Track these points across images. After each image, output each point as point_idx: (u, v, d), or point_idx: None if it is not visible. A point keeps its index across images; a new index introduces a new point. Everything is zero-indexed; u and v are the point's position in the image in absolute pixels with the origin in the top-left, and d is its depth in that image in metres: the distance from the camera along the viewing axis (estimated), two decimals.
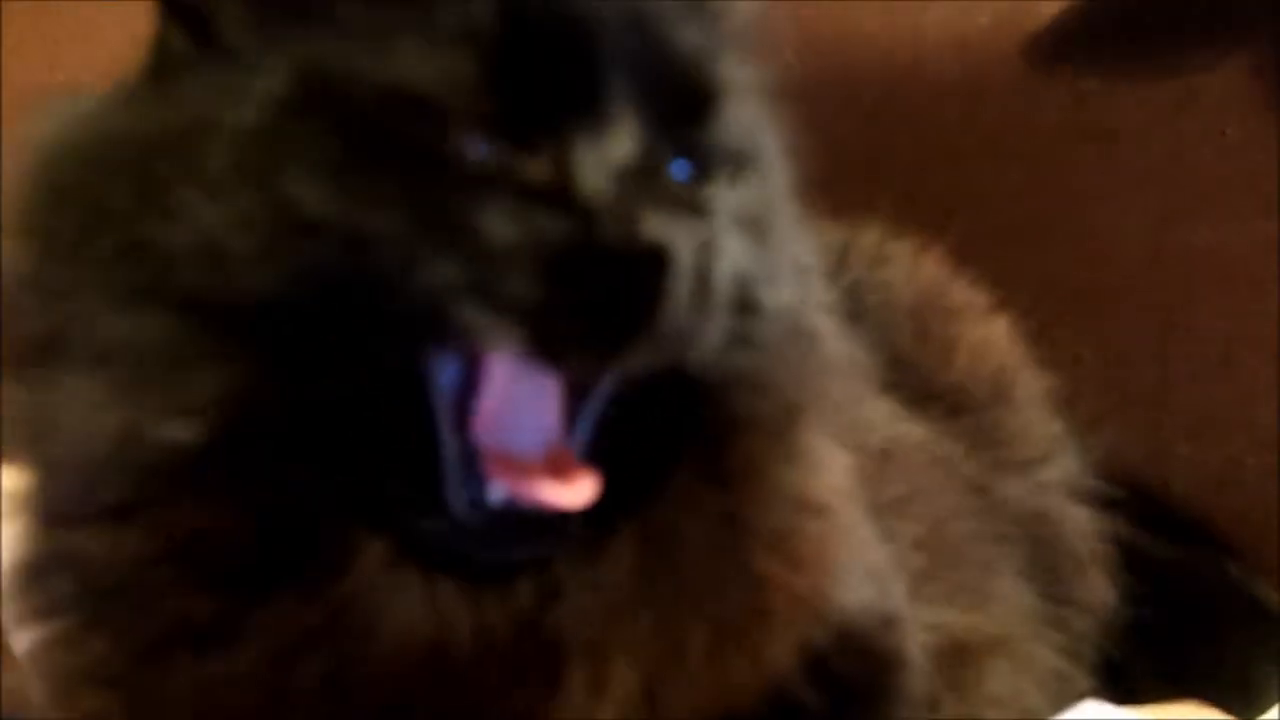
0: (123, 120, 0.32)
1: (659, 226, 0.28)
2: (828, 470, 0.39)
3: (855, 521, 0.41)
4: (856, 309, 0.61)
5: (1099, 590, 0.60)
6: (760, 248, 0.34)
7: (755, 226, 0.34)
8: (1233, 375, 0.74)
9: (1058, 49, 0.75)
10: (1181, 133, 0.71)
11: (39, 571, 0.34)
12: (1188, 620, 0.62)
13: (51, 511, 0.34)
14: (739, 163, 0.34)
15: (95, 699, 0.33)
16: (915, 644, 0.43)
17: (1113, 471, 0.71)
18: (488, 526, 0.31)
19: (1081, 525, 0.61)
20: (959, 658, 0.49)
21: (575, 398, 0.33)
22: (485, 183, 0.29)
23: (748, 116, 0.36)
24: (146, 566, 0.31)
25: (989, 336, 0.63)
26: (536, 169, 0.30)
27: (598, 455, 0.33)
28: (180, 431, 0.30)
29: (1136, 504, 0.69)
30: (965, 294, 0.66)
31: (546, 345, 0.29)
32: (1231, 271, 0.72)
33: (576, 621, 0.32)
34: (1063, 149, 0.76)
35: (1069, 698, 0.53)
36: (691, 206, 0.31)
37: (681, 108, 0.33)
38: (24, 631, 0.37)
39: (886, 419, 0.53)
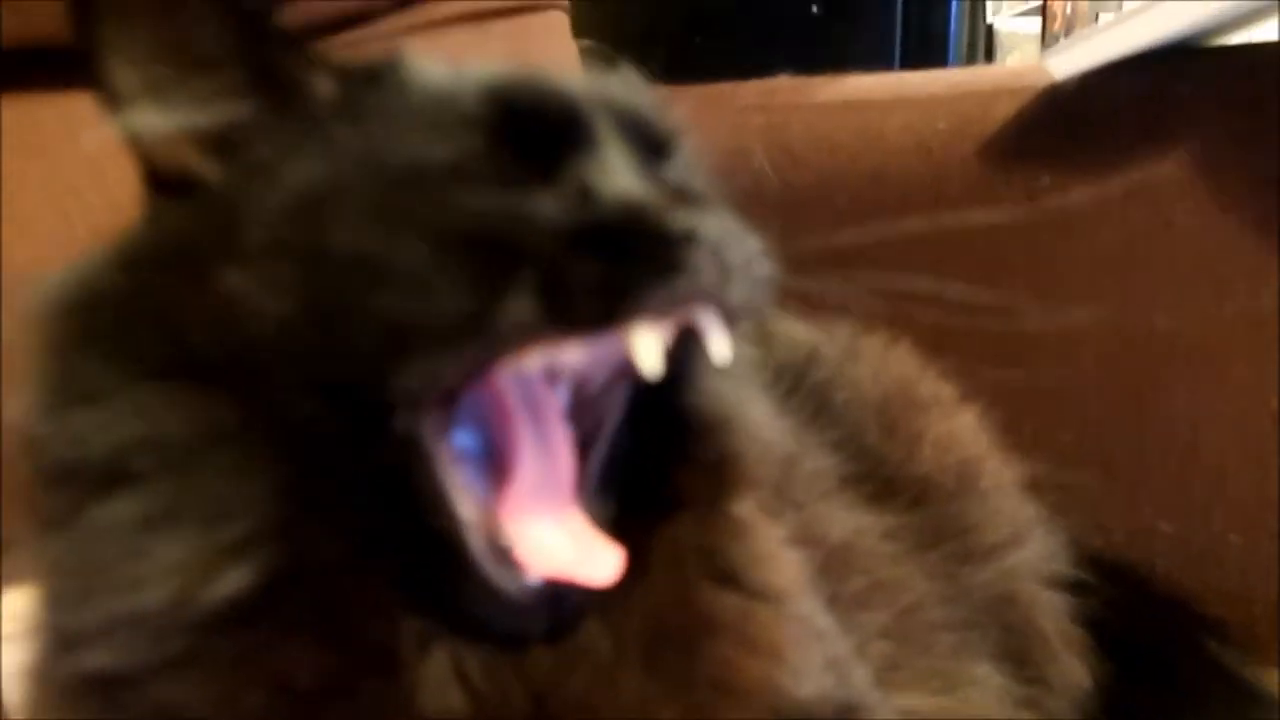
0: (143, 238, 0.35)
1: (684, 214, 0.33)
2: (781, 561, 0.42)
3: (810, 611, 0.43)
4: (825, 406, 0.63)
5: (1072, 672, 0.61)
6: None
7: None
8: (1203, 455, 0.75)
9: (1012, 148, 0.80)
10: (1132, 223, 0.75)
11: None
12: (1165, 700, 0.63)
13: (98, 668, 0.33)
14: (697, 199, 0.37)
15: None
16: None
17: (1096, 551, 0.73)
18: (521, 606, 0.33)
19: (1052, 608, 0.62)
20: None
21: (583, 452, 0.35)
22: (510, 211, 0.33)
23: (694, 165, 0.41)
24: (214, 705, 0.32)
25: (954, 429, 0.65)
26: (557, 195, 0.33)
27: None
28: (237, 583, 0.31)
29: (1116, 583, 0.71)
30: (932, 387, 0.68)
31: (612, 308, 0.31)
32: (1192, 355, 0.74)
33: (581, 693, 0.34)
34: (1022, 242, 0.79)
35: None
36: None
37: (648, 146, 0.37)
38: None
39: (848, 512, 0.55)
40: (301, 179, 0.33)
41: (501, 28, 0.98)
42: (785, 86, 0.97)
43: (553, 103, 0.36)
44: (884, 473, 0.60)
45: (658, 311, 0.32)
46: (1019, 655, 0.59)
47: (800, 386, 0.64)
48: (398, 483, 0.32)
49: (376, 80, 0.36)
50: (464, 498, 0.33)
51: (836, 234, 0.86)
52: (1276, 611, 0.72)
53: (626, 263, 0.31)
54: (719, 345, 0.34)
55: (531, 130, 0.35)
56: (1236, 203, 0.70)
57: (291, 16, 0.83)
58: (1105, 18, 1.28)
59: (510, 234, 0.32)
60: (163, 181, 0.35)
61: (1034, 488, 0.68)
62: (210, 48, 0.35)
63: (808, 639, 0.41)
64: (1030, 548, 0.63)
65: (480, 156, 0.34)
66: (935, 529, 0.58)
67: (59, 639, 0.35)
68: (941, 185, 0.82)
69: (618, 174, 0.35)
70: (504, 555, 0.33)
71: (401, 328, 0.31)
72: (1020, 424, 0.74)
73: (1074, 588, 0.64)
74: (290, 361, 0.32)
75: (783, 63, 0.98)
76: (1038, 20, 1.45)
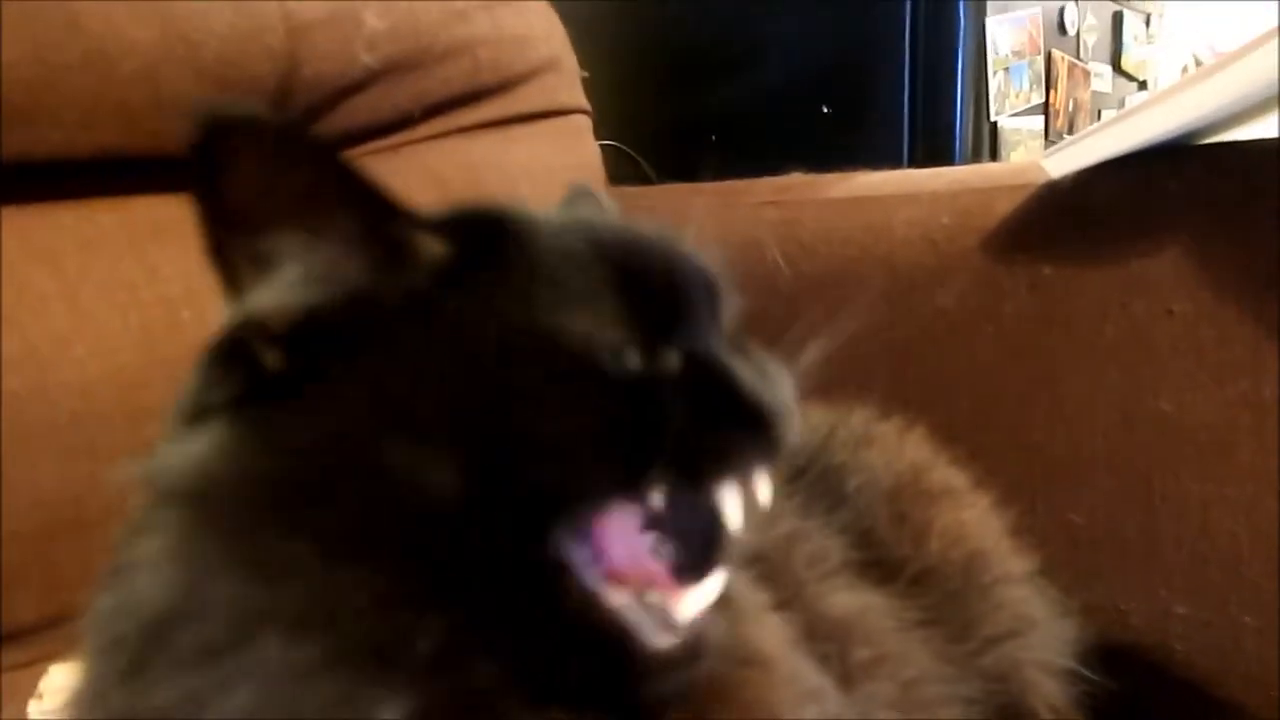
0: (288, 423, 0.36)
1: (767, 388, 0.38)
2: (766, 626, 0.44)
3: (802, 672, 0.45)
4: (836, 490, 0.66)
5: None
6: None
7: None
8: (1215, 537, 0.76)
9: (1014, 241, 0.83)
10: (1133, 313, 0.77)
11: None
12: None
13: None
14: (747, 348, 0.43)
15: None
16: None
17: (1112, 636, 0.73)
18: (679, 658, 0.36)
19: (1051, 694, 0.62)
20: None
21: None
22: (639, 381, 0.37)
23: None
24: None
25: (964, 519, 0.66)
26: (671, 360, 0.38)
27: None
28: (396, 710, 0.33)
29: (1131, 669, 0.71)
30: (944, 475, 0.70)
31: (721, 473, 0.37)
32: (1198, 437, 0.76)
33: None
34: (1026, 331, 0.82)
35: None
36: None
37: (712, 300, 0.42)
38: None
39: (850, 591, 0.56)
40: (442, 354, 0.35)
41: (528, 132, 1.04)
42: (797, 183, 1.02)
43: (663, 267, 0.40)
44: (890, 559, 0.62)
45: (746, 472, 0.37)
46: None
47: (812, 467, 0.66)
48: (549, 599, 0.35)
49: (487, 239, 0.37)
50: (607, 587, 0.36)
51: (847, 319, 0.91)
52: None
53: (735, 434, 0.37)
54: (765, 491, 0.38)
55: (650, 297, 0.38)
56: (1232, 295, 0.73)
57: (330, 125, 0.89)
58: (1107, 113, 1.33)
59: (652, 409, 0.36)
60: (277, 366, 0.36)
61: (1047, 571, 0.69)
62: (322, 212, 0.35)
63: (801, 699, 0.43)
64: (1032, 637, 0.63)
65: (608, 325, 0.37)
66: (939, 617, 0.59)
67: None
68: (947, 276, 0.86)
69: (713, 341, 0.39)
70: (659, 612, 0.36)
71: (563, 495, 0.35)
72: (1033, 507, 0.76)
73: (1079, 679, 0.65)
74: (456, 524, 0.34)
75: (794, 160, 1.03)
76: (1040, 118, 1.50)
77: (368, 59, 0.89)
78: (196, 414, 0.37)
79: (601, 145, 1.14)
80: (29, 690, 0.60)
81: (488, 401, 0.35)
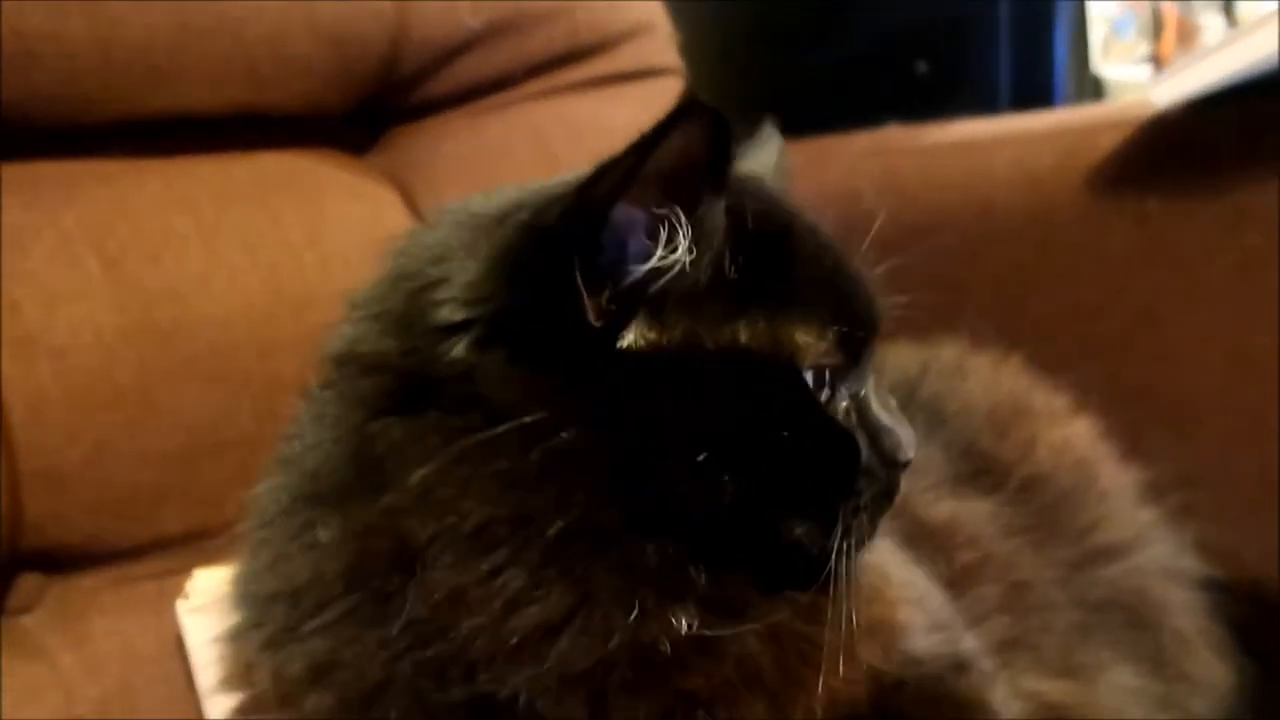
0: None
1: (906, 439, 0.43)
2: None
3: (908, 578, 0.46)
4: (936, 415, 0.66)
5: (1212, 669, 0.60)
6: None
7: None
8: None
9: (1119, 178, 0.82)
10: (1244, 246, 0.76)
11: None
12: None
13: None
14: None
15: None
16: (998, 696, 0.46)
17: (1227, 566, 0.72)
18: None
19: (1186, 606, 0.62)
20: None
21: None
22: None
23: None
24: None
25: (1069, 435, 0.66)
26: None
27: None
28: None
29: (1245, 605, 0.70)
30: (1045, 398, 0.70)
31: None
32: None
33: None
34: (1133, 271, 0.81)
35: None
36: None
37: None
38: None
39: (954, 500, 0.57)
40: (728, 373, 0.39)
41: (625, 92, 1.06)
42: (895, 134, 1.02)
43: (859, 292, 0.44)
44: (995, 470, 0.62)
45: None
46: (1155, 653, 0.59)
47: (912, 400, 0.67)
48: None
49: (767, 245, 0.40)
50: None
51: (947, 267, 0.90)
52: None
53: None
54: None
55: (854, 323, 0.42)
56: None
57: (438, 84, 0.93)
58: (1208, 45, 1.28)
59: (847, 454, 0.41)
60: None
61: (1156, 495, 0.69)
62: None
63: (908, 603, 0.44)
64: (1156, 547, 0.63)
65: (827, 348, 0.41)
66: (1050, 523, 0.59)
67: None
68: (1049, 218, 0.85)
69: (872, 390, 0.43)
70: None
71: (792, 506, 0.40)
72: (1133, 448, 0.74)
73: (1208, 586, 0.64)
74: (732, 514, 0.39)
75: (891, 121, 1.03)
76: (1148, 68, 1.46)
77: (472, 21, 0.92)
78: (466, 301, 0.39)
79: None
80: (177, 592, 0.65)
81: (751, 429, 0.39)
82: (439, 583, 0.37)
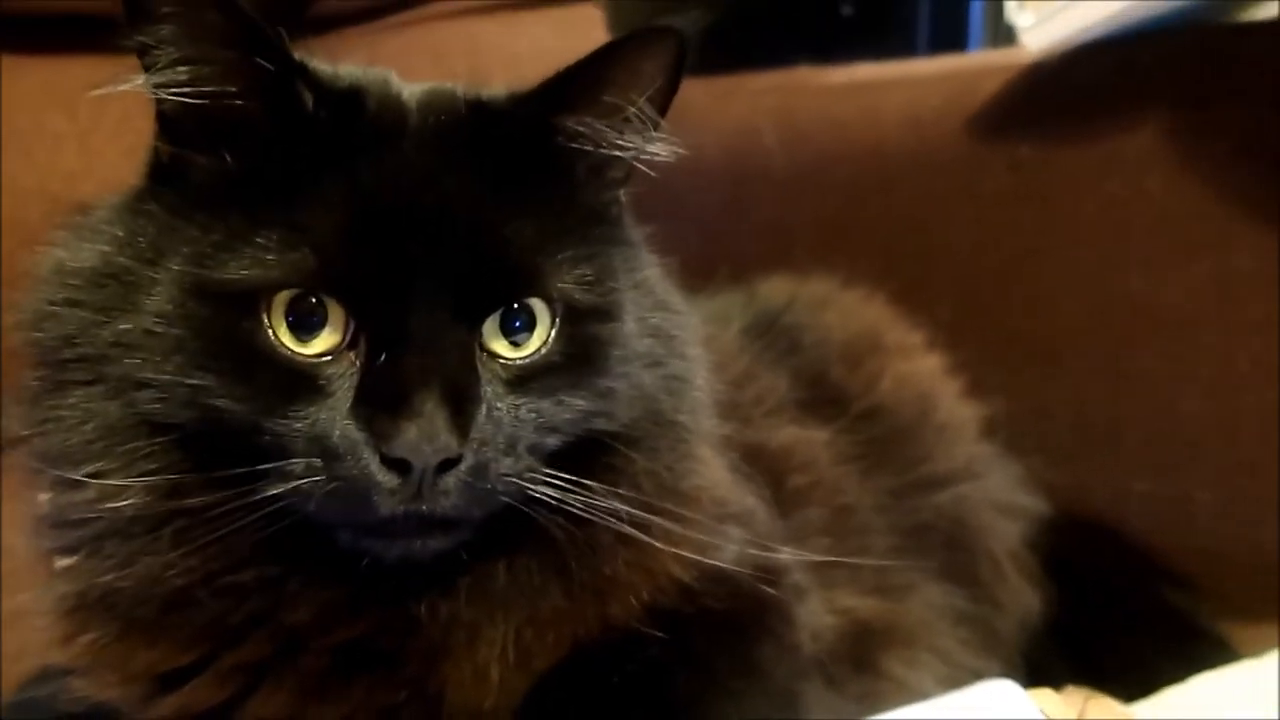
0: (96, 250, 0.43)
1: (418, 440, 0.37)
2: (702, 467, 0.46)
3: (733, 497, 0.48)
4: (793, 343, 0.68)
5: (1020, 594, 0.64)
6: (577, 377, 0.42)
7: (578, 360, 0.42)
8: (1176, 416, 0.78)
9: (996, 122, 0.84)
10: (1108, 191, 0.78)
11: None
12: (1110, 627, 0.65)
13: None
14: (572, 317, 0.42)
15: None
16: (807, 608, 0.48)
17: (1076, 510, 0.75)
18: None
19: (1003, 533, 0.65)
20: (864, 641, 0.54)
21: None
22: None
23: (593, 274, 0.43)
24: None
25: (916, 369, 0.69)
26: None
27: None
28: None
29: (1088, 533, 0.74)
30: (900, 333, 0.72)
31: None
32: (1166, 316, 0.77)
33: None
34: (1005, 212, 0.83)
35: None
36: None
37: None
38: None
39: (795, 426, 0.59)
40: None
41: (536, 18, 1.05)
42: (800, 73, 1.02)
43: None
44: (841, 399, 0.64)
45: None
46: (968, 576, 0.62)
47: (772, 328, 0.69)
48: None
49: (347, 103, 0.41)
50: None
51: (838, 206, 0.92)
52: (1248, 569, 0.74)
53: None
54: None
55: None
56: (1202, 172, 0.74)
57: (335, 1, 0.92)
58: None
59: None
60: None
61: (1017, 451, 0.71)
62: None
63: (720, 523, 0.46)
64: (986, 480, 0.66)
65: None
66: (881, 452, 0.61)
67: None
68: (932, 158, 0.87)
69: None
70: None
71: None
72: (1007, 389, 0.77)
73: (1035, 519, 0.67)
74: None
75: (806, 61, 1.03)
76: None
77: None
78: None
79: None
80: None
81: None
82: None
